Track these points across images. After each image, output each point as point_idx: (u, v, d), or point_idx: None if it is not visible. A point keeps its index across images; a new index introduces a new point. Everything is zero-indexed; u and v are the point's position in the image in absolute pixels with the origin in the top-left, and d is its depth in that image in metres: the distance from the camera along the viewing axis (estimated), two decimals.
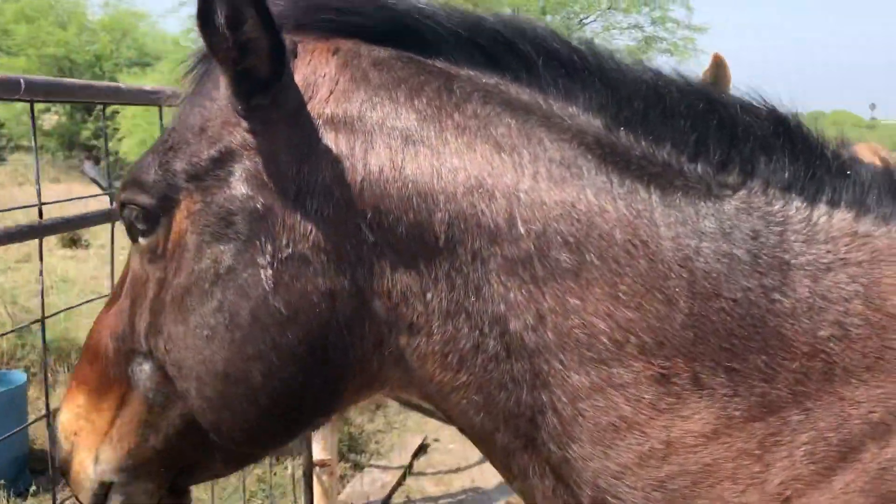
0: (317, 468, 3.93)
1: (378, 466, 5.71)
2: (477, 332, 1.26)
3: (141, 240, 1.39)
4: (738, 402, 1.16)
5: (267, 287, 1.28)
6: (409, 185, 1.26)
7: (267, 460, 4.32)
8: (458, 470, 5.71)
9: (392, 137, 1.28)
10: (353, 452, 5.75)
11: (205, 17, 1.23)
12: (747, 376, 1.17)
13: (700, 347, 1.18)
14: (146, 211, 1.37)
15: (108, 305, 1.51)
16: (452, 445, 6.03)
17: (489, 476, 5.68)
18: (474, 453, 5.90)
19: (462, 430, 1.42)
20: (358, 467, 5.70)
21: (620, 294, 1.21)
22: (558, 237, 1.23)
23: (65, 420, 1.51)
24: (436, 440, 6.23)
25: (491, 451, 1.38)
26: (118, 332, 1.44)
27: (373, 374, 1.37)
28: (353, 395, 1.42)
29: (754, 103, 1.33)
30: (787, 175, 1.24)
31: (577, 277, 1.22)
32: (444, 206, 1.26)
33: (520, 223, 1.24)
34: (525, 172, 1.25)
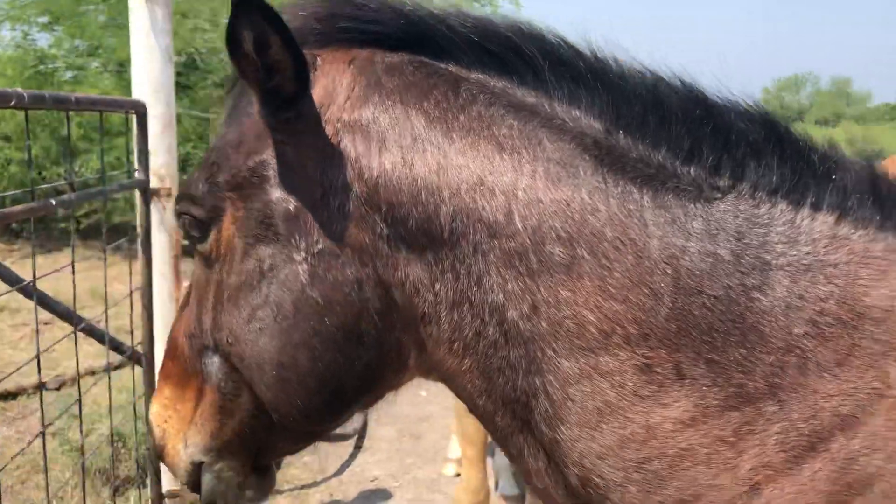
0: (166, 501, 3.62)
1: None
2: (478, 320, 1.36)
3: (198, 246, 1.55)
4: (717, 391, 1.24)
5: (304, 280, 1.40)
6: (418, 182, 1.35)
7: (108, 492, 4.06)
8: (314, 484, 5.50)
9: (403, 137, 1.37)
10: None
11: (234, 45, 1.34)
12: (726, 368, 1.24)
13: (682, 339, 1.26)
14: (199, 221, 1.51)
15: (181, 309, 1.68)
16: (308, 458, 5.81)
17: (348, 487, 5.52)
18: (332, 465, 5.72)
19: (471, 412, 1.53)
20: None
21: (609, 287, 1.28)
22: (552, 233, 1.31)
23: (155, 411, 1.68)
24: None
25: (493, 433, 1.50)
26: (190, 331, 1.59)
27: (404, 359, 1.48)
28: (392, 377, 1.53)
29: (748, 108, 1.39)
30: (774, 179, 1.31)
31: (569, 271, 1.30)
32: (449, 201, 1.34)
33: (517, 218, 1.32)
34: (524, 171, 1.33)
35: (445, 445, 5.93)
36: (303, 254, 1.40)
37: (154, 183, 3.40)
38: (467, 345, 1.38)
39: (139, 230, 3.41)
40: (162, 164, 3.41)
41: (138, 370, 3.60)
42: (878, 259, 1.27)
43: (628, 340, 1.27)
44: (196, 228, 1.53)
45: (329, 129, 1.40)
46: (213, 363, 1.55)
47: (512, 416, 1.40)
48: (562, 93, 1.38)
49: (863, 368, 1.21)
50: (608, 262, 1.28)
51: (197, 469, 1.65)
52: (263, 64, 1.36)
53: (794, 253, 1.27)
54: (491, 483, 4.57)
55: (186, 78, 12.58)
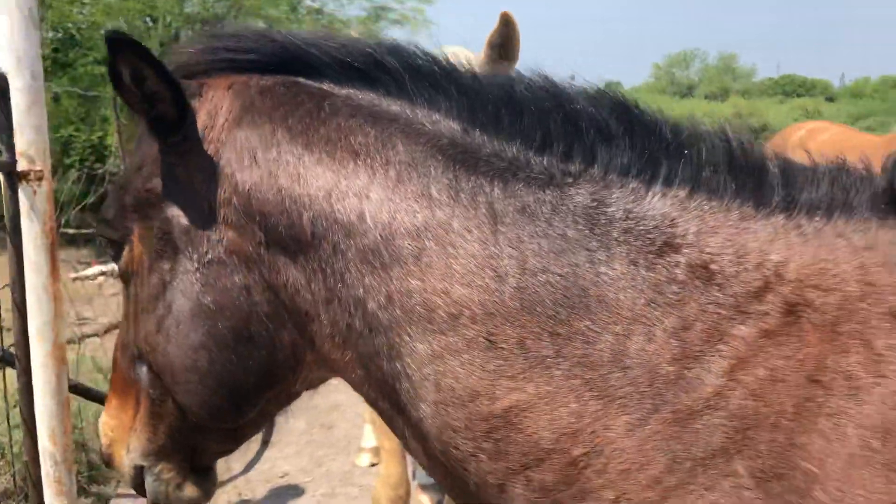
0: None
1: (128, 495, 4.98)
2: (347, 314, 1.46)
3: (117, 264, 1.70)
4: (561, 362, 1.31)
5: (198, 288, 1.53)
6: (282, 191, 1.48)
7: None
8: (221, 484, 5.18)
9: (269, 152, 1.49)
10: (95, 484, 4.97)
11: (115, 79, 1.49)
12: (570, 339, 1.31)
13: (526, 315, 1.34)
14: (113, 242, 1.67)
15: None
16: None
17: (256, 485, 5.24)
18: (238, 462, 5.41)
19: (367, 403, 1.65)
20: (102, 500, 4.95)
21: (455, 273, 1.37)
22: (401, 228, 1.41)
23: (103, 420, 1.80)
24: None
25: (382, 418, 1.60)
26: (122, 342, 1.73)
27: (300, 357, 1.58)
28: (292, 374, 1.62)
29: (598, 94, 1.47)
30: (625, 160, 1.38)
31: (418, 261, 1.40)
32: (309, 207, 1.46)
33: (368, 218, 1.43)
34: (376, 174, 1.44)
35: (358, 435, 5.70)
36: (195, 264, 1.54)
37: (22, 165, 3.01)
38: (345, 338, 1.49)
39: (6, 218, 3.02)
40: (30, 143, 3.01)
41: (11, 373, 3.22)
42: (728, 227, 1.33)
43: (474, 320, 1.35)
44: (112, 248, 1.70)
45: (211, 149, 1.53)
46: (143, 372, 1.67)
47: (388, 401, 1.51)
48: (423, 99, 1.49)
49: (709, 332, 1.27)
50: (454, 250, 1.37)
51: (139, 472, 1.78)
52: (143, 95, 1.52)
53: (642, 228, 1.34)
54: (410, 472, 4.38)
55: (65, 54, 11.80)
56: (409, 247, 1.40)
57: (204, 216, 1.52)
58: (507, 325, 1.34)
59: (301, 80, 1.55)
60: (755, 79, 75.82)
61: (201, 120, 1.54)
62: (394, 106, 1.50)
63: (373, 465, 5.26)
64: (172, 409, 1.66)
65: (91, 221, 10.67)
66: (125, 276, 1.69)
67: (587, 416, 1.29)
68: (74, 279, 10.28)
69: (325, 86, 1.54)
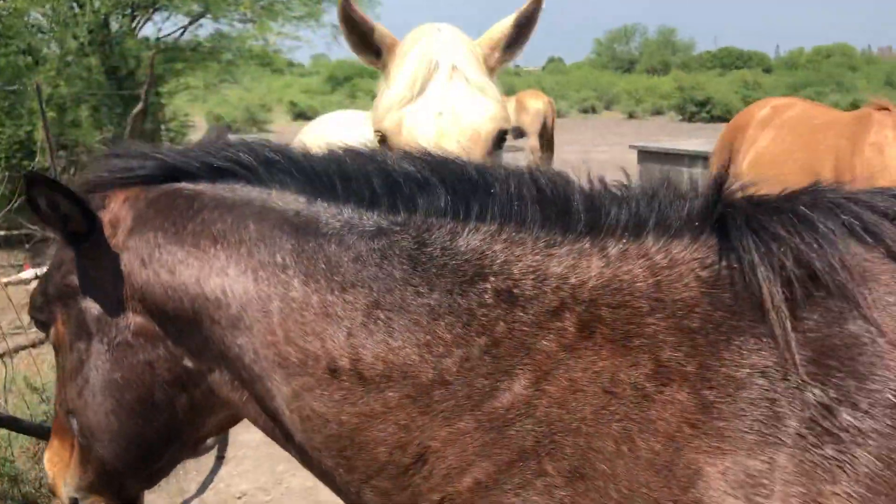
0: None
1: None
2: (235, 368, 1.71)
3: (50, 340, 1.99)
4: (393, 385, 1.50)
5: (108, 366, 1.80)
6: (165, 284, 1.73)
7: None
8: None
9: (153, 253, 1.76)
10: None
11: (34, 207, 1.76)
12: (400, 366, 1.50)
13: (362, 350, 1.53)
14: (42, 323, 1.97)
15: None
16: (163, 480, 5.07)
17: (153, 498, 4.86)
18: (192, 483, 5.03)
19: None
20: None
21: (301, 323, 1.59)
22: (253, 294, 1.64)
23: (48, 457, 2.09)
24: None
25: (279, 445, 1.81)
26: (60, 399, 1.98)
27: (212, 403, 1.82)
28: (196, 426, 1.88)
29: (412, 152, 1.71)
30: (441, 203, 1.58)
31: (269, 320, 1.63)
32: (186, 292, 1.71)
33: (229, 291, 1.66)
34: (231, 253, 1.68)
35: None
36: (106, 346, 1.80)
37: None
38: (236, 385, 1.74)
39: None
40: None
41: None
42: (532, 255, 1.51)
43: (318, 360, 1.56)
44: (41, 327, 1.98)
45: (114, 254, 1.78)
46: (73, 423, 1.92)
47: (279, 431, 1.74)
48: (275, 183, 1.72)
49: (515, 348, 1.44)
50: (297, 304, 1.59)
51: (76, 503, 2.05)
52: (58, 217, 1.76)
53: (455, 262, 1.52)
54: None
55: None
56: (261, 309, 1.62)
57: (112, 307, 1.79)
58: (346, 357, 1.54)
59: (182, 185, 1.80)
60: (694, 52, 76.60)
61: (106, 229, 1.80)
62: (253, 193, 1.73)
63: None
64: (95, 456, 1.92)
65: (23, 222, 10.06)
66: (55, 348, 1.97)
67: (415, 430, 1.49)
68: (6, 284, 9.67)
69: (201, 186, 1.78)
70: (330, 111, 5.31)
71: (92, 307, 1.81)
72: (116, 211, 1.82)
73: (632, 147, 13.42)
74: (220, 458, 5.49)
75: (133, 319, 1.77)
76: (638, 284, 1.43)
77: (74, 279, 1.84)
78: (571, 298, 1.44)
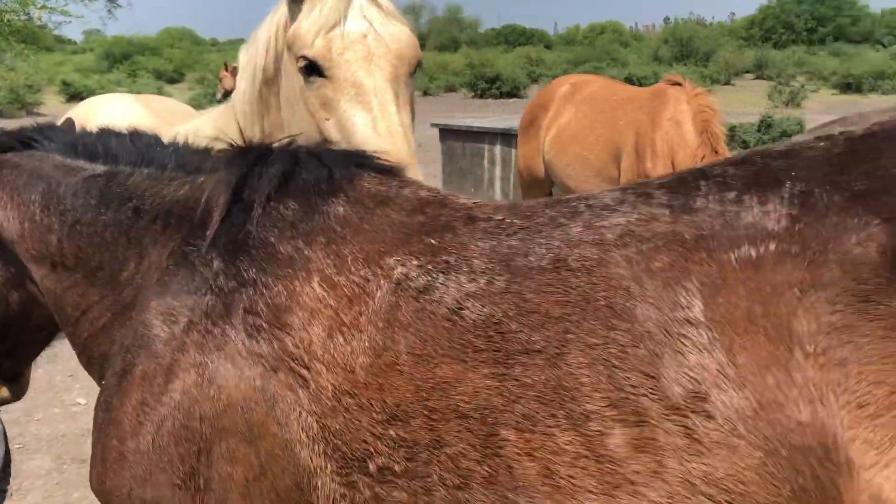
0: None
1: None
2: (26, 270, 2.31)
3: None
4: (78, 270, 2.21)
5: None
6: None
7: None
8: None
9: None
10: None
11: None
12: (86, 258, 2.20)
13: (64, 249, 2.22)
14: None
15: None
16: None
17: None
18: None
19: None
20: None
21: (34, 240, 2.26)
22: (11, 221, 2.30)
23: None
24: None
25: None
26: None
27: (28, 302, 2.41)
28: (29, 314, 2.42)
29: (129, 131, 2.37)
30: (130, 159, 2.26)
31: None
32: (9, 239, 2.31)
33: (3, 223, 2.29)
34: (12, 195, 2.30)
35: None
36: None
37: None
38: (29, 279, 2.35)
39: None
40: None
41: None
42: (158, 184, 2.18)
43: (45, 256, 2.25)
44: None
45: None
46: None
47: (50, 301, 2.38)
48: (45, 149, 2.36)
49: (135, 241, 2.14)
50: (35, 224, 2.27)
51: None
52: None
53: (120, 191, 2.19)
54: None
55: None
56: (19, 230, 2.27)
57: None
58: (57, 256, 2.23)
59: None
60: (480, 30, 78.77)
61: None
62: (32, 157, 2.32)
63: None
64: None
65: None
66: None
67: (85, 296, 2.20)
68: None
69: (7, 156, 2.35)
70: (108, 91, 4.74)
71: None
72: None
73: (433, 125, 13.39)
74: (2, 492, 4.80)
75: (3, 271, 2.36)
76: (181, 193, 2.13)
77: None
78: (163, 209, 2.11)
